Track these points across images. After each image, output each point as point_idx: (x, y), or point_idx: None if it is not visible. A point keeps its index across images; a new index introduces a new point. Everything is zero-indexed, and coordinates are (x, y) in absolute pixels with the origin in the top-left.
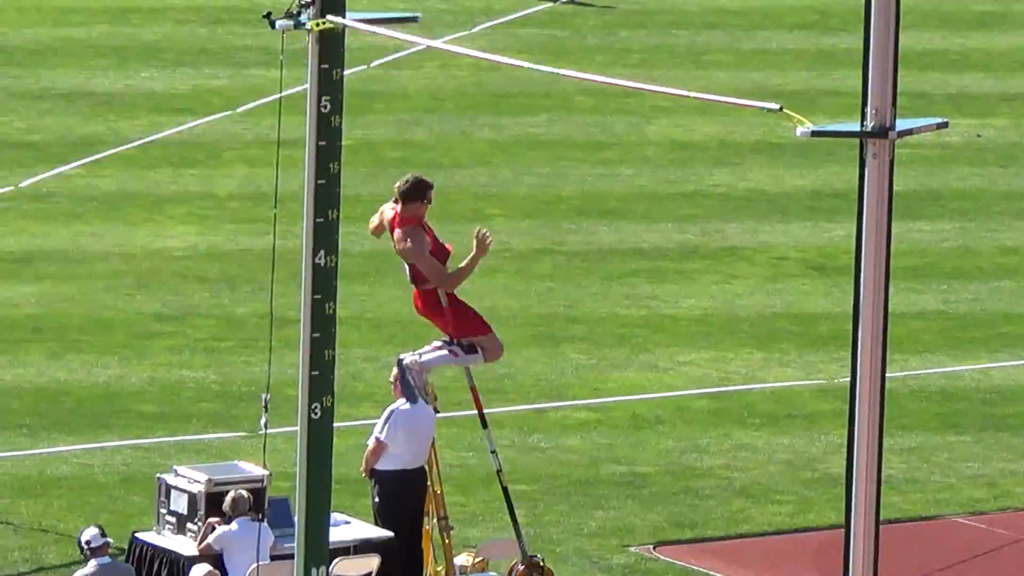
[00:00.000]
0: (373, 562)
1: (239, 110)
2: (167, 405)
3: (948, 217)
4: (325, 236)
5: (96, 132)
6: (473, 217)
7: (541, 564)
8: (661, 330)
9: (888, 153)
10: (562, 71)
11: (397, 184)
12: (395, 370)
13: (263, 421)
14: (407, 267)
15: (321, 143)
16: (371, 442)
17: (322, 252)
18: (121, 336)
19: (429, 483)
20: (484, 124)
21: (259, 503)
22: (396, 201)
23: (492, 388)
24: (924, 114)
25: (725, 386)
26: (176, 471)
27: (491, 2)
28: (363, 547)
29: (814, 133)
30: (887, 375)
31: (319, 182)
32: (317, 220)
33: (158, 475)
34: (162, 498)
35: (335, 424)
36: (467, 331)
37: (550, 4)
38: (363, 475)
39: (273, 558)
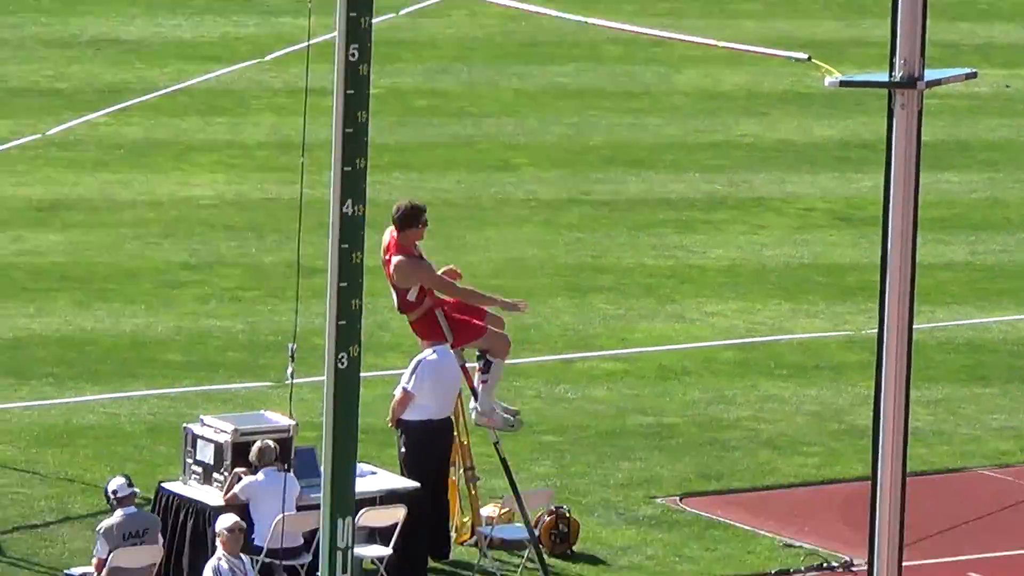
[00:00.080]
0: (399, 512)
1: (267, 58)
2: (194, 354)
3: (976, 168)
4: (352, 185)
5: (124, 80)
6: (501, 167)
7: (567, 515)
8: (688, 280)
9: (916, 103)
10: (591, 20)
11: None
12: None
13: (290, 371)
14: (395, 295)
15: (349, 91)
16: (398, 392)
17: (349, 201)
18: (148, 285)
19: (456, 434)
20: (512, 73)
21: (285, 453)
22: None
23: (519, 339)
24: (953, 64)
25: (752, 337)
26: (203, 421)
27: None
28: (389, 497)
29: (842, 83)
30: (914, 327)
31: (347, 131)
32: (345, 169)
33: (184, 425)
34: (188, 448)
35: (362, 374)
36: (468, 338)
37: None
38: (390, 425)
39: (299, 508)
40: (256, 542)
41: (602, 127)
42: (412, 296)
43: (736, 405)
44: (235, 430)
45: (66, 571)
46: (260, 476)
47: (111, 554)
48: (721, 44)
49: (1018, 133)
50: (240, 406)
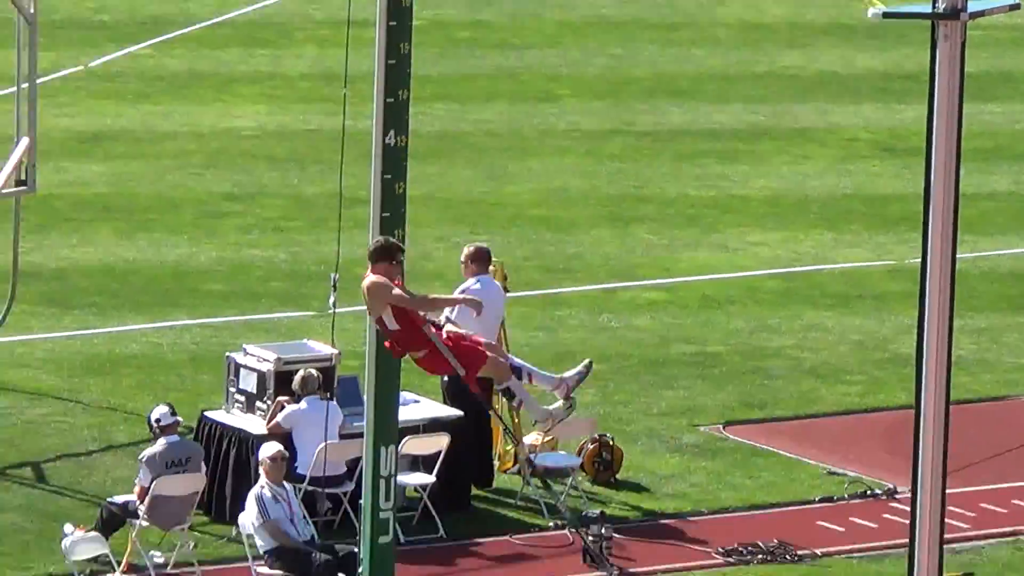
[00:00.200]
0: (443, 441)
1: None
2: (236, 284)
3: (1020, 99)
4: (395, 116)
5: (166, 12)
6: (543, 98)
7: (611, 443)
8: (731, 211)
9: (959, 35)
10: None
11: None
12: (466, 249)
13: (332, 300)
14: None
15: (391, 23)
16: (441, 321)
17: (392, 132)
18: (190, 215)
19: None
20: (554, 4)
21: (328, 382)
22: None
23: (562, 268)
24: None
25: (795, 267)
26: (245, 350)
27: None
28: (432, 426)
29: (885, 15)
30: (957, 256)
31: (389, 62)
32: (387, 100)
33: (227, 354)
34: (231, 377)
35: None
36: (477, 366)
37: None
38: None
39: (342, 437)
40: (299, 470)
41: (645, 58)
42: (391, 324)
43: (779, 334)
44: (278, 359)
45: (109, 499)
46: (303, 405)
47: (154, 482)
48: None
49: None
50: (283, 335)
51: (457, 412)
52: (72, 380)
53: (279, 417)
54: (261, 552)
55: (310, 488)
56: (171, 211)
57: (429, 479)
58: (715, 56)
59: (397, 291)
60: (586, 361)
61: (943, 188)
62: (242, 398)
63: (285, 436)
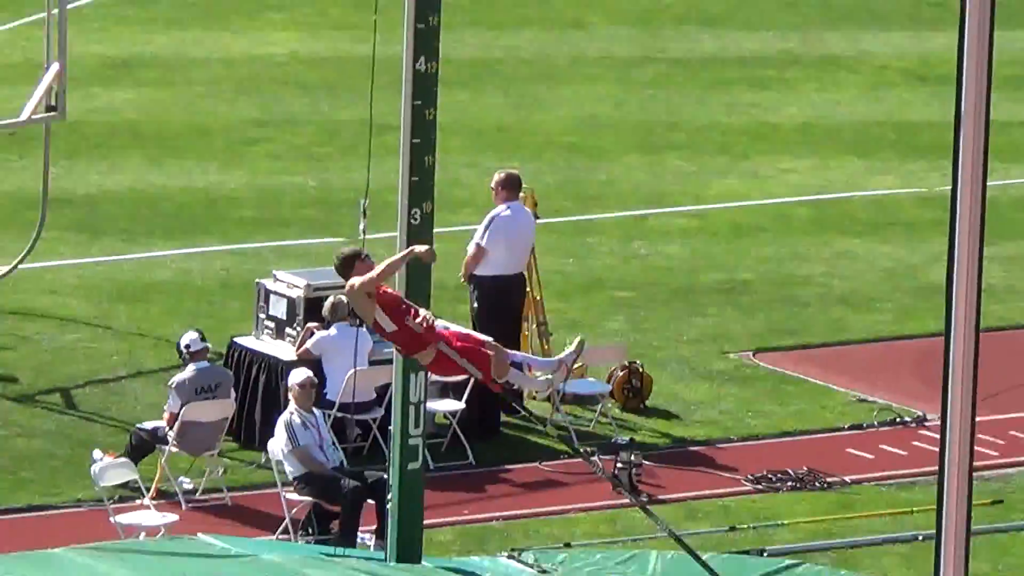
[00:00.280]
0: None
1: None
2: (266, 211)
3: None
4: (425, 42)
5: None
6: (574, 25)
7: (640, 370)
8: (762, 138)
9: None
10: None
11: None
12: (496, 176)
13: (362, 227)
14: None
15: None
16: (471, 248)
17: (423, 58)
18: (220, 142)
19: (528, 289)
20: None
21: None
22: None
23: (593, 195)
24: None
25: (826, 194)
26: (275, 276)
27: None
28: None
29: None
30: (988, 184)
31: None
32: (418, 26)
33: (257, 280)
34: (261, 303)
35: (434, 230)
36: (487, 365)
37: None
38: (462, 281)
39: (372, 363)
40: (328, 396)
41: None
42: (388, 325)
43: (809, 262)
44: (308, 285)
45: (138, 425)
46: (333, 331)
47: (183, 408)
48: None
49: None
50: (313, 262)
51: (487, 339)
52: (101, 306)
53: (309, 343)
54: (290, 478)
55: (339, 414)
56: (201, 138)
57: (459, 405)
58: None
59: (366, 275)
60: (578, 338)
61: (974, 116)
62: (272, 324)
63: (315, 362)
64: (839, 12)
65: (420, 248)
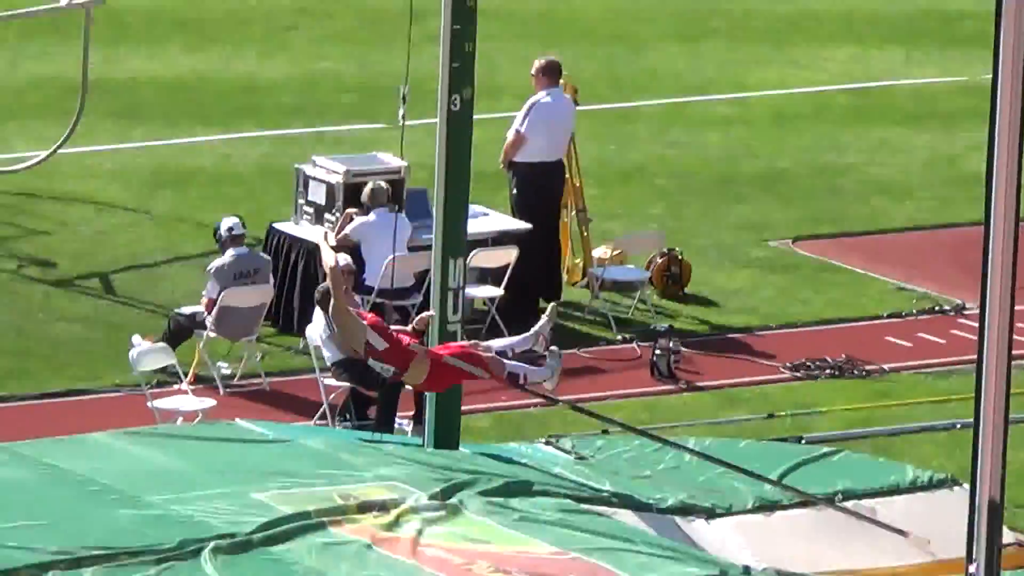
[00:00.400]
0: (511, 254)
1: None
2: (306, 96)
3: None
4: None
5: None
6: None
7: (679, 257)
8: (803, 26)
9: None
10: None
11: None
12: (536, 62)
13: (401, 113)
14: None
15: None
16: (510, 134)
17: None
18: (259, 28)
19: (568, 175)
20: None
21: (397, 194)
22: None
23: (632, 83)
24: None
25: (866, 83)
26: (315, 162)
27: None
28: (501, 239)
29: None
30: None
31: None
32: None
33: (296, 166)
34: (300, 189)
35: (474, 116)
36: (485, 364)
37: None
38: (502, 167)
39: (410, 249)
40: (367, 282)
41: None
42: (378, 343)
43: (849, 150)
44: (347, 171)
45: (176, 310)
46: (372, 217)
47: (221, 294)
48: None
49: None
50: (352, 148)
51: (527, 226)
52: (140, 192)
53: (347, 229)
54: (328, 364)
55: (378, 300)
56: (241, 25)
57: (497, 292)
58: None
59: (335, 296)
60: (551, 306)
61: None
62: (311, 210)
63: (353, 248)
64: None
65: (330, 261)
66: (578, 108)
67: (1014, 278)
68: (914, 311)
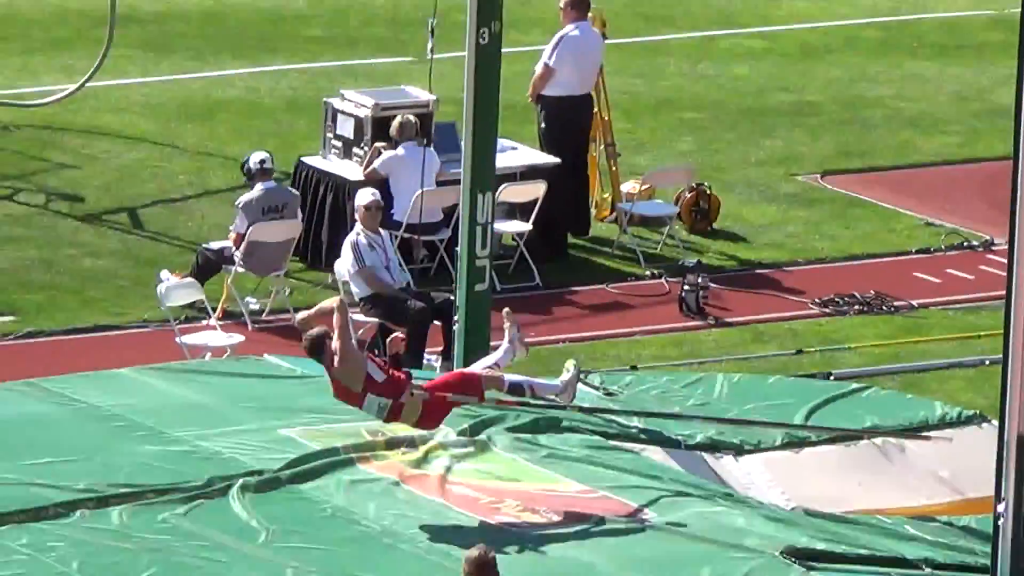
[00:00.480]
0: (540, 188)
1: None
2: (334, 29)
3: None
4: None
5: None
6: None
7: (708, 192)
8: None
9: None
10: None
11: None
12: None
13: (430, 46)
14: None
15: None
16: (539, 67)
17: None
18: None
19: (596, 109)
20: None
21: (426, 128)
22: None
23: (661, 15)
24: None
25: (895, 16)
26: (343, 95)
27: None
28: (530, 173)
29: None
30: None
31: None
32: None
33: (325, 99)
34: (328, 122)
35: (503, 49)
36: (477, 389)
37: None
38: (530, 100)
39: (439, 183)
40: (395, 217)
41: None
42: (378, 375)
43: (878, 83)
44: (375, 104)
45: (204, 245)
46: (400, 151)
47: (250, 228)
48: None
49: None
50: (380, 81)
51: (555, 160)
52: (169, 125)
53: (376, 163)
54: (356, 299)
55: (406, 235)
56: None
57: (526, 227)
58: None
59: (339, 341)
60: (504, 311)
61: None
62: (339, 144)
63: (382, 182)
64: None
65: (332, 303)
66: (607, 41)
67: None
68: (943, 247)
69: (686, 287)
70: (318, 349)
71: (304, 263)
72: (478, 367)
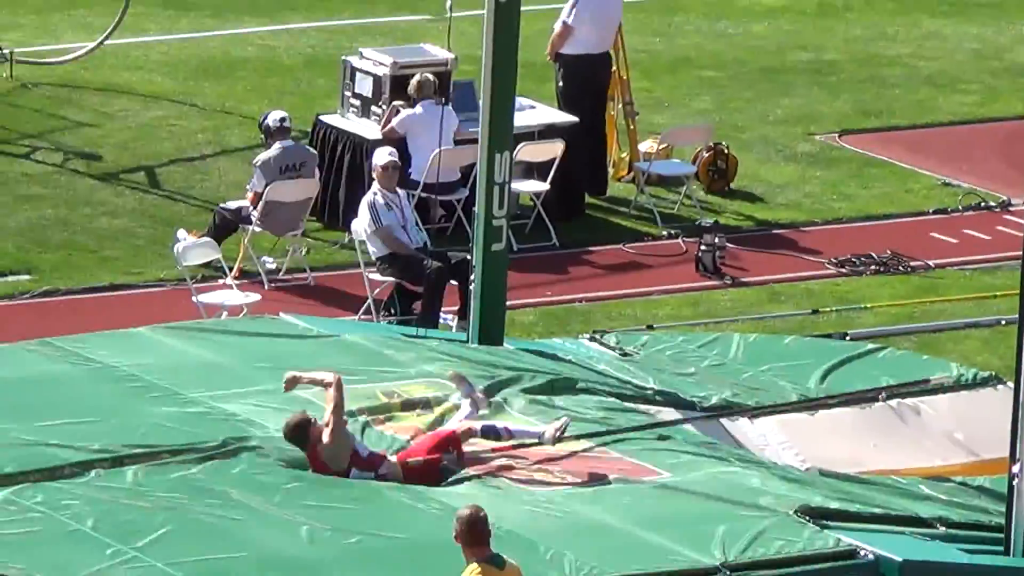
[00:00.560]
0: (558, 148)
1: None
2: None
3: None
4: None
5: None
6: None
7: (725, 152)
8: None
9: None
10: None
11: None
12: None
13: (449, 4)
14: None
15: None
16: (557, 26)
17: None
18: None
19: (614, 68)
20: None
21: (444, 86)
22: None
23: None
24: None
25: None
26: (361, 53)
27: None
28: (548, 132)
29: None
30: None
31: None
32: None
33: (343, 57)
34: (347, 80)
35: (522, 8)
36: (454, 444)
37: None
38: (548, 59)
39: (457, 142)
40: (413, 176)
41: None
42: (363, 452)
43: (896, 42)
44: (394, 63)
45: (221, 204)
46: (418, 109)
47: (267, 187)
48: None
49: None
50: (399, 39)
51: (573, 119)
52: (187, 83)
53: (394, 121)
54: (373, 259)
55: (423, 195)
56: None
57: (543, 187)
58: None
59: (329, 426)
60: (563, 419)
61: None
62: (357, 102)
63: (400, 141)
64: None
65: (329, 377)
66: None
67: None
68: (960, 207)
69: (703, 247)
70: (302, 436)
71: (321, 222)
72: (451, 425)
